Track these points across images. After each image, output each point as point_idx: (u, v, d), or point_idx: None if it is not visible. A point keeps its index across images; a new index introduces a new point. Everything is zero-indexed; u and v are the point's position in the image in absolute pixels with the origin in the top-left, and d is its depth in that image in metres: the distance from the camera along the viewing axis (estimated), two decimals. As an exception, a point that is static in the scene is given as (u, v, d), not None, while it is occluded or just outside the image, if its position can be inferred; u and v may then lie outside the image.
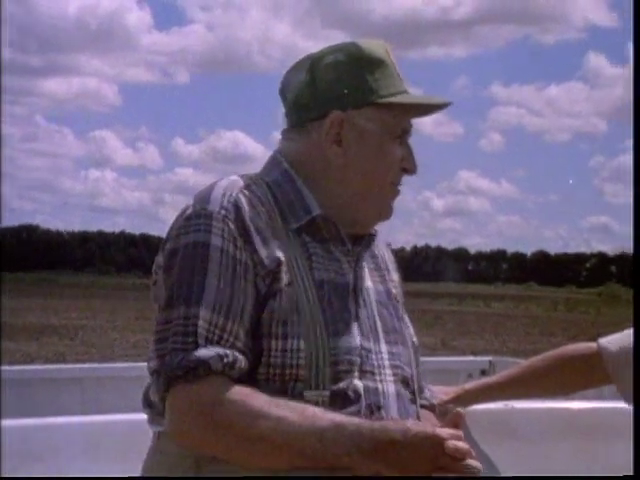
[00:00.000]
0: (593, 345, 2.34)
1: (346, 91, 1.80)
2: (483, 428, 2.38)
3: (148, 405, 1.74)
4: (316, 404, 1.65)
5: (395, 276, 1.98)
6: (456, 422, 1.67)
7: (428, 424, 1.69)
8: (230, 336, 1.65)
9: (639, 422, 2.04)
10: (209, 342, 1.63)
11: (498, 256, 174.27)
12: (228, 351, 1.63)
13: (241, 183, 1.77)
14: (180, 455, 1.70)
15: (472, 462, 1.62)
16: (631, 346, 2.28)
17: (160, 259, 1.77)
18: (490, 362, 4.00)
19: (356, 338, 1.73)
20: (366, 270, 1.86)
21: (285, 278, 1.69)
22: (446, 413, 2.31)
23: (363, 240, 1.87)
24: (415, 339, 2.00)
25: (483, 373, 3.93)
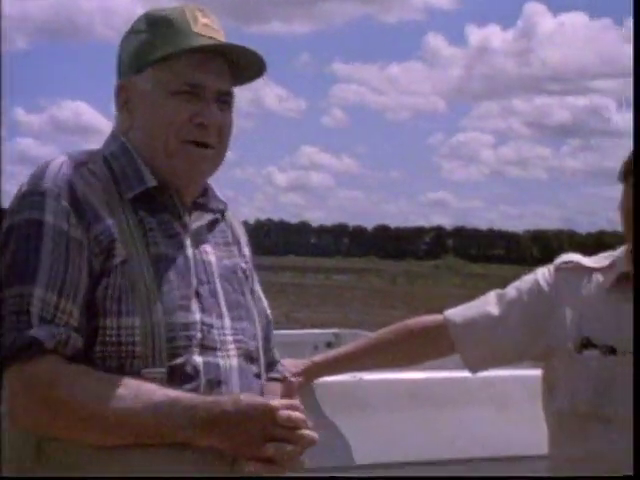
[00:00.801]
0: (439, 317, 2.38)
1: (127, 60, 1.81)
2: (332, 400, 2.40)
3: None
4: (154, 381, 1.64)
5: (246, 251, 1.97)
6: (288, 391, 1.73)
7: (259, 396, 1.70)
8: (64, 314, 1.63)
9: (639, 421, 2.06)
10: (43, 321, 1.61)
11: (340, 230, 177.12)
12: (62, 329, 1.62)
13: (77, 160, 1.75)
14: (21, 438, 1.68)
15: (307, 432, 1.65)
16: (475, 317, 2.35)
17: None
18: (335, 334, 4.04)
19: (195, 314, 1.72)
20: (209, 245, 1.83)
21: (119, 255, 1.67)
22: (294, 386, 2.33)
23: (207, 215, 1.86)
24: (269, 312, 2.02)
25: (329, 345, 3.97)
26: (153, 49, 1.77)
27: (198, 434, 1.61)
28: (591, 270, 2.30)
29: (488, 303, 2.36)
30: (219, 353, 1.73)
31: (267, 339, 1.98)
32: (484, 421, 2.48)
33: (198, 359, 1.69)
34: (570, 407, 2.22)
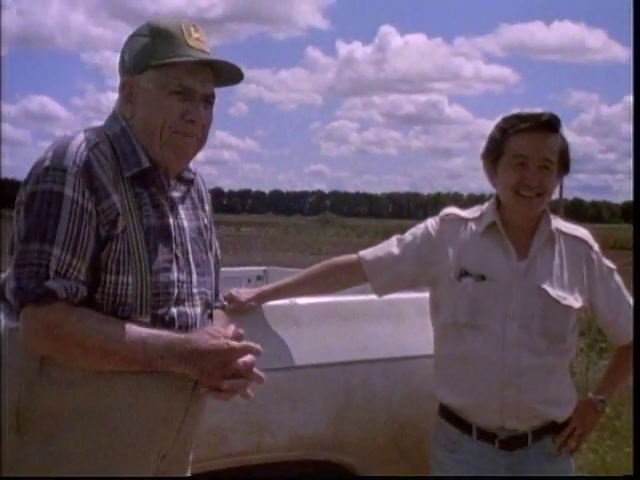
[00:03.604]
0: (354, 256, 2.38)
1: (132, 60, 1.74)
2: (275, 318, 2.40)
3: (3, 299, 1.66)
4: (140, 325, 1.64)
5: (207, 207, 1.94)
6: (238, 337, 1.71)
7: (222, 336, 1.69)
8: (74, 270, 1.60)
9: (639, 422, 2.02)
10: (57, 274, 1.58)
11: (245, 193, 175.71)
12: (72, 283, 1.59)
13: (92, 141, 1.68)
14: (24, 356, 1.64)
15: (256, 371, 1.69)
16: (381, 255, 2.35)
17: (20, 198, 1.66)
18: (264, 271, 4.01)
19: (174, 274, 1.71)
20: (183, 212, 1.81)
21: (121, 226, 1.65)
22: (249, 308, 2.32)
23: (182, 186, 1.82)
24: (219, 252, 1.98)
25: (259, 278, 3.94)
26: (154, 54, 1.71)
27: (174, 363, 1.63)
28: (466, 220, 2.32)
29: (391, 245, 2.37)
30: (187, 304, 1.73)
31: (217, 274, 1.96)
32: (387, 331, 2.50)
33: (174, 310, 1.69)
34: (452, 319, 2.25)
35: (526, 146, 2.18)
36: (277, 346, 2.33)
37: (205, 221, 1.89)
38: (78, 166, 1.62)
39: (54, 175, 1.62)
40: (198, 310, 1.75)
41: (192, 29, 1.75)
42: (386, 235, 2.46)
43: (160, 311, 1.67)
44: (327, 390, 2.35)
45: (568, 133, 2.26)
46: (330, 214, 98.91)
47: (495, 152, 2.23)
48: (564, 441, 2.28)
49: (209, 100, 1.77)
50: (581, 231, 2.35)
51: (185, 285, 1.73)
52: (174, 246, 1.73)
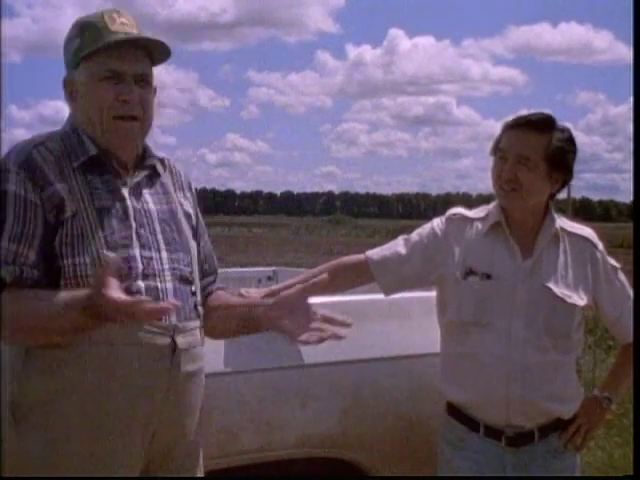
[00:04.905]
0: (362, 256, 2.38)
1: (66, 59, 1.80)
2: (284, 318, 2.38)
3: None
4: None
5: (189, 194, 1.94)
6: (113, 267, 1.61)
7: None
8: (21, 257, 1.65)
9: (639, 422, 2.01)
10: (5, 263, 1.63)
11: (256, 195, 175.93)
12: (17, 267, 1.64)
13: (36, 141, 1.76)
14: (14, 350, 1.70)
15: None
16: (388, 255, 2.34)
17: None
18: (274, 271, 4.01)
19: (135, 249, 1.72)
20: (147, 195, 1.81)
21: (70, 211, 1.68)
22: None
23: (144, 171, 1.83)
24: (207, 240, 2.01)
25: (269, 279, 3.94)
26: (83, 48, 1.76)
27: (89, 321, 1.56)
28: (472, 219, 2.31)
29: (397, 245, 2.36)
30: (158, 279, 1.74)
31: (211, 260, 2.02)
32: (394, 330, 2.49)
33: (140, 283, 1.70)
34: (457, 317, 2.25)
35: (507, 141, 2.21)
36: (285, 344, 2.31)
37: (185, 207, 1.90)
38: (20, 163, 1.70)
39: (0, 177, 1.70)
40: (169, 285, 1.75)
41: (115, 15, 1.78)
42: (396, 235, 2.46)
43: (124, 284, 1.64)
44: (335, 388, 2.34)
45: (576, 133, 2.25)
46: (341, 215, 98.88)
47: (494, 148, 2.26)
48: (570, 438, 2.27)
49: (144, 79, 1.78)
50: (585, 230, 2.34)
51: (154, 261, 1.74)
52: (134, 224, 1.74)
